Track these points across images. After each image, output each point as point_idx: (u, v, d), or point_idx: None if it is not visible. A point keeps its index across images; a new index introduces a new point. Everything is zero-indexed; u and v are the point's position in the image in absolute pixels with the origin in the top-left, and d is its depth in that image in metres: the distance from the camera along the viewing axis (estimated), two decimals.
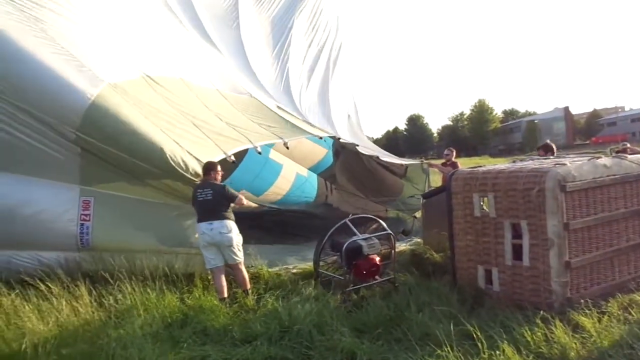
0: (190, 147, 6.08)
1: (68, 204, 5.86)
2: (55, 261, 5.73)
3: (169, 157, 5.71)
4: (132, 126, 5.78)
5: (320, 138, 9.57)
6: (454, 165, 9.20)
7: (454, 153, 9.99)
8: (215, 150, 6.42)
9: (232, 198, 5.63)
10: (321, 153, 11.29)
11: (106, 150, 5.81)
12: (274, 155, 10.76)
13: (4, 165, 5.84)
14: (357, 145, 9.95)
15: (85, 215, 5.86)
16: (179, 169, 5.75)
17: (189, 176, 5.79)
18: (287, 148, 7.98)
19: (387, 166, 11.31)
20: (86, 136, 5.74)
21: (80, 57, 6.01)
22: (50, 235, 5.80)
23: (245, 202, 5.93)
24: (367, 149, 10.92)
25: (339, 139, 9.91)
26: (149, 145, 5.76)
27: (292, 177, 11.46)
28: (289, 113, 9.37)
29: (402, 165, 11.39)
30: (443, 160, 10.36)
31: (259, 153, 7.25)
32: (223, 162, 6.19)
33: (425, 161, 11.81)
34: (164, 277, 5.47)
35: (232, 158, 6.56)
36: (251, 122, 7.95)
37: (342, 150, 11.16)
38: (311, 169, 11.79)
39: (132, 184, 6.03)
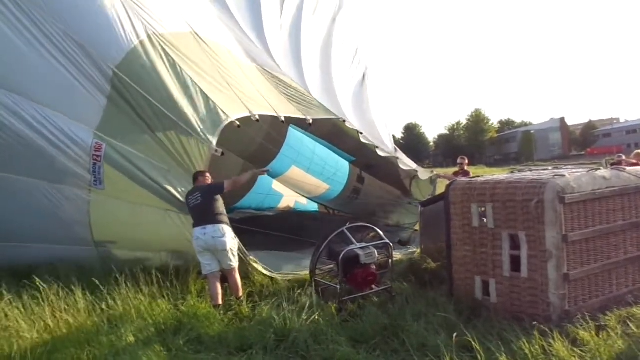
0: (219, 101, 6.29)
1: (85, 142, 6.04)
2: (66, 204, 6.08)
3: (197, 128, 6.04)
4: (167, 85, 6.10)
5: (343, 121, 8.73)
6: (466, 173, 9.17)
7: (466, 161, 10.01)
8: (242, 107, 6.60)
9: (219, 188, 5.63)
10: (323, 188, 10.84)
11: (137, 94, 5.99)
12: (276, 186, 10.76)
13: (34, 93, 6.04)
14: (378, 146, 9.16)
15: (97, 156, 5.98)
16: (202, 135, 6.03)
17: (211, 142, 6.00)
18: (310, 125, 7.84)
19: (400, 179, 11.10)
20: (122, 74, 5.94)
21: (134, 3, 6.34)
22: (67, 169, 6.02)
23: (236, 180, 5.93)
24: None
25: (361, 133, 8.96)
26: (179, 108, 6.07)
27: (291, 205, 11.63)
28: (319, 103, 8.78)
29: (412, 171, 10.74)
30: (456, 169, 10.29)
31: (282, 122, 7.27)
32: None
33: (435, 173, 11.39)
34: (157, 282, 5.41)
35: (257, 117, 6.70)
36: (281, 95, 7.91)
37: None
38: (311, 199, 11.76)
39: (147, 134, 6.11)
